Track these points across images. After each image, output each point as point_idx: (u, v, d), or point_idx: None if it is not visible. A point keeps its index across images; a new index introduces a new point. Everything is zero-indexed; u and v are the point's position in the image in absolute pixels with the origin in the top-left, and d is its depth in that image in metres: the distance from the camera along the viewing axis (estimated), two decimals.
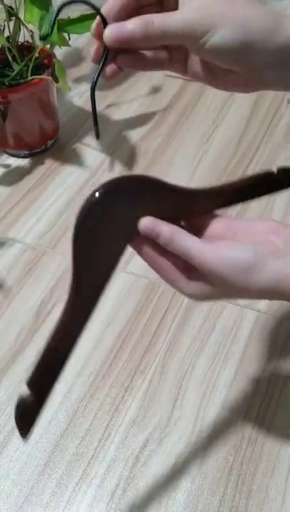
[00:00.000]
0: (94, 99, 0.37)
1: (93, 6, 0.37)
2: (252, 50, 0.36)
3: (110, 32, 0.36)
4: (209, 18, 0.35)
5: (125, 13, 0.37)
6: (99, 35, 0.37)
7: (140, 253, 0.40)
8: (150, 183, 0.38)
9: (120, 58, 0.38)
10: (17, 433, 0.56)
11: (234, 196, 0.42)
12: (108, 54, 0.37)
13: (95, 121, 0.38)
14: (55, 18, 0.37)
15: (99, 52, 0.37)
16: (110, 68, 0.38)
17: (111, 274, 0.40)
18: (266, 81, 0.39)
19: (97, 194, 0.36)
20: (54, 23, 0.37)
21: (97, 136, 0.38)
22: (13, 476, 0.54)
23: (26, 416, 0.43)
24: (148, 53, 0.39)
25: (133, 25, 0.35)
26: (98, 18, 0.36)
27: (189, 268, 0.39)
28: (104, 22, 0.36)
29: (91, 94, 0.37)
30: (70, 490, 0.53)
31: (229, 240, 0.39)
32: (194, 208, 0.41)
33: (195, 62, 0.40)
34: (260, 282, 0.36)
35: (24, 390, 0.41)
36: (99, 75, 0.37)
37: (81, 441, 0.56)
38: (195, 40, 0.35)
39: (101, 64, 0.37)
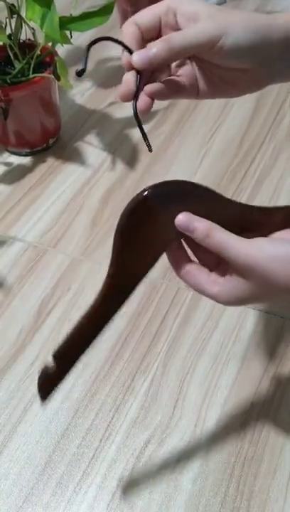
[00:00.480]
0: (139, 120, 0.40)
1: (119, 42, 0.40)
2: (263, 42, 0.40)
3: (138, 57, 0.39)
4: (220, 24, 0.39)
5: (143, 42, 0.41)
6: (129, 65, 0.40)
7: (169, 256, 0.42)
8: (203, 191, 0.40)
9: (149, 88, 0.42)
10: (17, 432, 0.57)
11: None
12: (141, 77, 0.40)
13: (145, 137, 0.41)
14: (87, 55, 0.39)
15: (129, 89, 0.40)
16: (143, 101, 0.41)
17: (147, 272, 0.41)
18: (277, 73, 0.43)
19: (147, 192, 0.38)
20: (86, 61, 0.39)
21: (150, 149, 0.40)
22: (13, 476, 0.53)
23: (48, 384, 0.45)
24: (169, 84, 0.43)
25: (156, 47, 0.39)
26: (125, 52, 0.40)
27: (219, 268, 0.40)
28: (130, 52, 0.40)
29: (135, 117, 0.40)
30: (70, 490, 0.52)
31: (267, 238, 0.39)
32: (248, 225, 0.41)
33: (205, 81, 0.44)
34: None
35: (49, 360, 0.44)
36: (137, 98, 0.40)
37: (82, 441, 0.55)
38: (213, 45, 0.39)
39: (137, 87, 0.40)
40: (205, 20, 0.40)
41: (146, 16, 0.41)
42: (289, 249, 0.36)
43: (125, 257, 0.40)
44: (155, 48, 0.39)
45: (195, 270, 0.41)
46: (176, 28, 0.41)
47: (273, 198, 0.78)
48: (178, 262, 0.41)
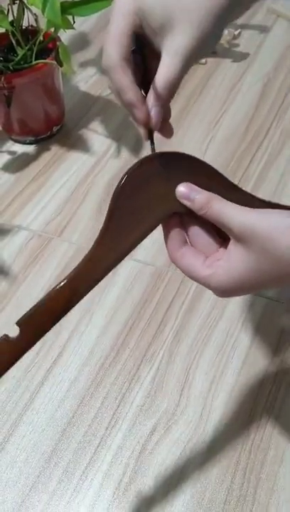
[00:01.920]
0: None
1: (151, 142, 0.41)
2: (226, 20, 0.40)
3: (155, 120, 0.40)
4: (199, 35, 0.39)
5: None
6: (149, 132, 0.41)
7: (166, 236, 0.40)
8: (209, 170, 0.39)
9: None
10: (23, 421, 0.57)
11: None
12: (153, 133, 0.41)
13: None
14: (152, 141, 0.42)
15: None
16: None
17: (135, 245, 0.40)
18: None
19: (150, 157, 0.38)
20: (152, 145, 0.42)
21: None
22: (19, 464, 0.54)
23: (4, 359, 0.40)
24: None
25: (157, 114, 0.40)
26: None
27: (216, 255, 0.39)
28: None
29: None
30: (76, 478, 0.52)
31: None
32: None
33: None
34: None
35: (14, 330, 0.40)
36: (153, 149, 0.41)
37: (88, 429, 0.55)
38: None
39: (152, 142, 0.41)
40: (181, 38, 0.38)
41: (126, 44, 0.39)
42: None
43: (116, 224, 0.39)
44: (157, 114, 0.40)
45: (191, 253, 0.39)
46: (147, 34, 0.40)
47: (279, 184, 0.77)
48: (174, 244, 0.40)
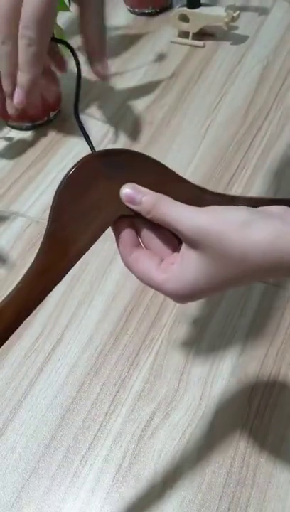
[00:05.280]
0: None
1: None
2: None
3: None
4: None
5: None
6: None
7: (117, 239, 0.37)
8: (155, 165, 0.36)
9: None
10: (23, 407, 0.57)
11: None
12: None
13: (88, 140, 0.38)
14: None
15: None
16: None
17: (86, 249, 0.37)
18: None
19: (92, 155, 0.35)
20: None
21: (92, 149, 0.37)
22: (19, 450, 0.54)
23: None
24: None
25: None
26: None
27: (171, 257, 0.36)
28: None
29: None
30: (76, 463, 0.52)
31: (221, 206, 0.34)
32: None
33: None
34: (258, 237, 0.30)
35: None
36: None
37: (87, 415, 0.55)
38: None
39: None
40: None
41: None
42: (242, 214, 0.31)
43: (60, 233, 0.35)
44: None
45: (145, 257, 0.36)
46: None
47: (279, 167, 0.76)
48: (126, 248, 0.36)
